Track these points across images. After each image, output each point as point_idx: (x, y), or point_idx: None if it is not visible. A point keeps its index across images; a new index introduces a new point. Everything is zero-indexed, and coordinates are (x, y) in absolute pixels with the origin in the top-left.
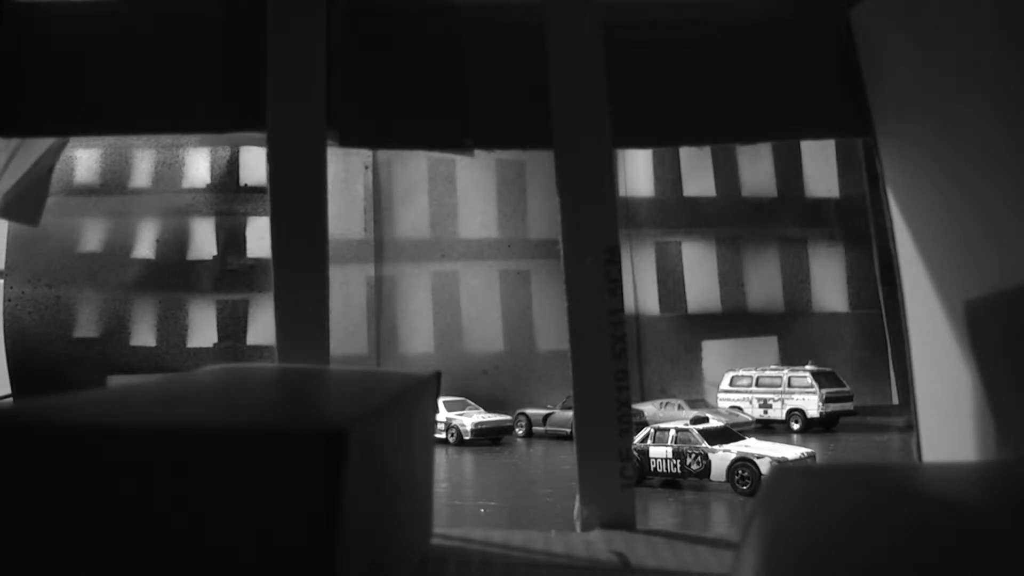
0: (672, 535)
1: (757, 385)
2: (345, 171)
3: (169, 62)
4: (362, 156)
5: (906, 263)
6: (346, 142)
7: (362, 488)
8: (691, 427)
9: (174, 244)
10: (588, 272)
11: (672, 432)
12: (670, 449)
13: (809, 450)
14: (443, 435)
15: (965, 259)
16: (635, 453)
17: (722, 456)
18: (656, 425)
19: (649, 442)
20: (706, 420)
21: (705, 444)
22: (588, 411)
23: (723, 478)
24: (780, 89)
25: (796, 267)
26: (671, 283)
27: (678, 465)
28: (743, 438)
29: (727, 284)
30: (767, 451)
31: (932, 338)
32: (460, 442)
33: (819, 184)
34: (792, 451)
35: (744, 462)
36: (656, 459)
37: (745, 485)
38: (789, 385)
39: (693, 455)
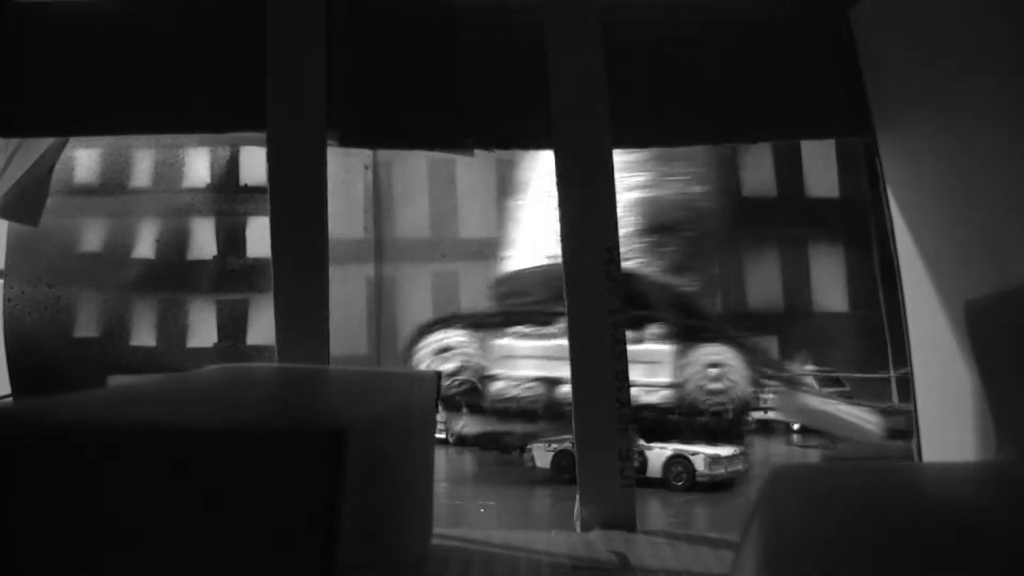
0: (672, 535)
1: None
2: (345, 171)
3: (169, 62)
4: (362, 156)
5: (906, 263)
6: (346, 142)
7: (362, 488)
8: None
9: (174, 244)
10: (588, 272)
11: None
12: None
13: (740, 448)
14: (443, 435)
15: (965, 259)
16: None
17: (658, 453)
18: None
19: None
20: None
21: (642, 441)
22: (588, 411)
23: (659, 474)
24: (780, 89)
25: (796, 267)
26: None
27: None
28: (678, 436)
29: (727, 284)
30: (701, 448)
31: (932, 338)
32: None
33: (819, 184)
34: (725, 449)
35: (679, 459)
36: None
37: (680, 481)
38: None
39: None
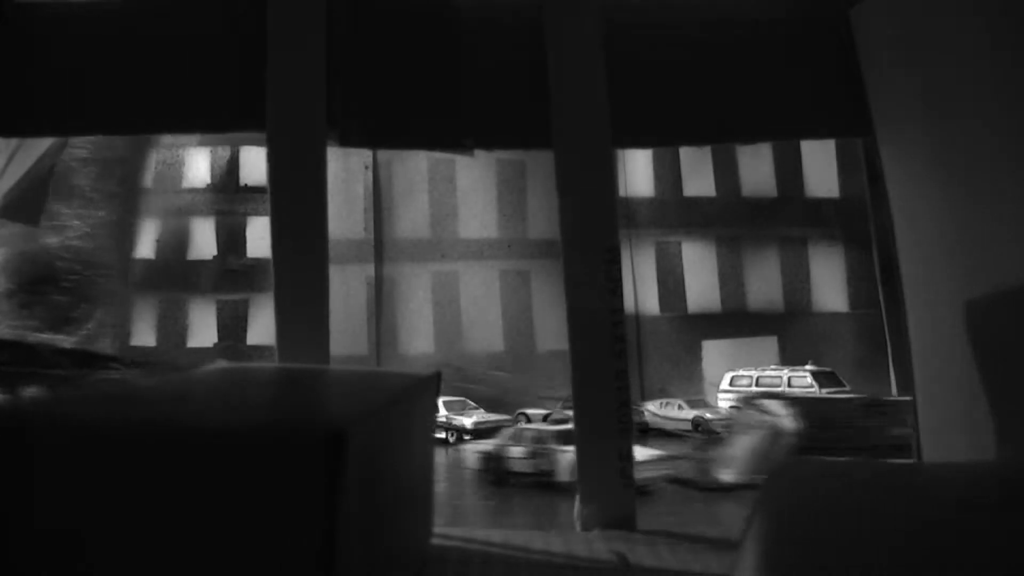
0: (672, 535)
1: (757, 385)
2: (345, 171)
3: (169, 62)
4: (362, 156)
5: (906, 263)
6: (346, 142)
7: (362, 488)
8: (547, 427)
9: (174, 244)
10: (588, 272)
11: (530, 433)
12: (525, 450)
13: (660, 452)
14: (443, 435)
15: (965, 259)
16: (491, 457)
17: (569, 457)
18: (520, 426)
19: (510, 442)
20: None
21: (553, 444)
22: (588, 411)
23: (567, 478)
24: (780, 89)
25: (796, 267)
26: (671, 283)
27: (532, 467)
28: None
29: (727, 284)
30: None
31: (932, 338)
32: (460, 442)
33: (819, 184)
34: (643, 452)
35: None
36: (514, 459)
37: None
38: (789, 385)
39: (543, 455)
